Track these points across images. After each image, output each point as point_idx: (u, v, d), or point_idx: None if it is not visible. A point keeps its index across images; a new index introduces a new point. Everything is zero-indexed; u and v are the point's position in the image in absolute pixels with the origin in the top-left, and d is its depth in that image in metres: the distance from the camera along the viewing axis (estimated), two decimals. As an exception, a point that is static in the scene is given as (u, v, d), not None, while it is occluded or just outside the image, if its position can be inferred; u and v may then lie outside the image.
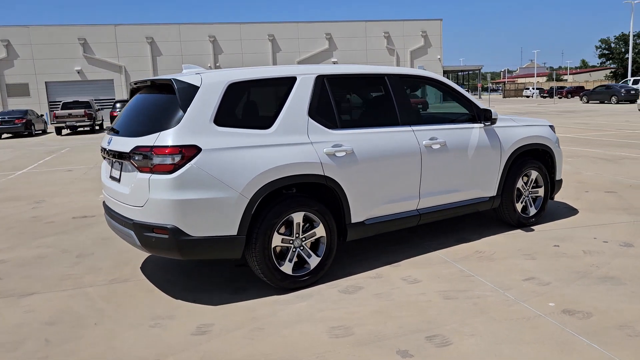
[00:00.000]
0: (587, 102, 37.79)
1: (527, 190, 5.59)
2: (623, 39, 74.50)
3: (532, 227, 5.53)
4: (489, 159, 5.14)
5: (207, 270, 4.64)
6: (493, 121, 5.09)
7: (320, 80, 4.28)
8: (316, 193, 4.25)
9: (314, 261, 4.16)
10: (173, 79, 3.82)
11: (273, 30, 42.79)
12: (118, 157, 4.00)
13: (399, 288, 4.04)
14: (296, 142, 4.02)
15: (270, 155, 3.87)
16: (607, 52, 77.06)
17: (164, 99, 3.97)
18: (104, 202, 4.67)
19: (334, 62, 41.64)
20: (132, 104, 4.42)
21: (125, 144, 3.90)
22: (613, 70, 77.66)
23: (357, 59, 43.34)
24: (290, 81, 4.17)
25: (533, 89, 65.40)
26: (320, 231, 4.17)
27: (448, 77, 52.05)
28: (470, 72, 69.69)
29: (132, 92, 4.67)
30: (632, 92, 33.92)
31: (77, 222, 6.78)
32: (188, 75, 3.91)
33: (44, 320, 3.77)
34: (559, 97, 53.72)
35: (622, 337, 3.12)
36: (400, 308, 3.68)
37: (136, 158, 3.76)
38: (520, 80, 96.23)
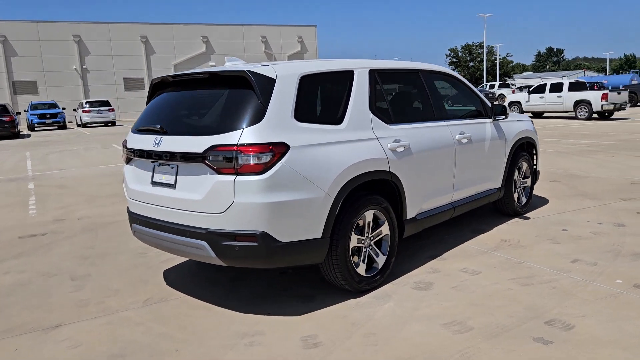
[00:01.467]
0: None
1: (519, 181, 5.96)
2: (468, 48, 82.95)
3: (526, 216, 5.91)
4: (499, 151, 5.40)
5: (249, 281, 4.26)
6: (506, 115, 5.36)
7: (373, 74, 4.16)
8: (374, 190, 4.12)
9: (381, 260, 4.02)
10: (248, 70, 3.45)
11: (146, 31, 40.60)
12: (180, 158, 3.49)
13: (468, 280, 4.07)
14: (366, 138, 3.87)
15: (348, 151, 3.67)
16: (455, 60, 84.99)
17: (234, 94, 3.55)
18: (129, 209, 4.08)
19: (212, 66, 40.73)
20: (173, 99, 3.91)
21: (192, 143, 3.42)
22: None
23: (236, 63, 42.81)
24: (350, 75, 4.00)
25: (396, 93, 69.72)
26: (385, 229, 4.05)
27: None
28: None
29: (155, 87, 4.14)
30: (490, 95, 37.80)
31: (29, 242, 5.82)
32: (259, 67, 3.56)
33: (107, 353, 3.18)
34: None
35: (702, 303, 3.47)
36: (490, 298, 3.70)
37: (212, 159, 3.33)
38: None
